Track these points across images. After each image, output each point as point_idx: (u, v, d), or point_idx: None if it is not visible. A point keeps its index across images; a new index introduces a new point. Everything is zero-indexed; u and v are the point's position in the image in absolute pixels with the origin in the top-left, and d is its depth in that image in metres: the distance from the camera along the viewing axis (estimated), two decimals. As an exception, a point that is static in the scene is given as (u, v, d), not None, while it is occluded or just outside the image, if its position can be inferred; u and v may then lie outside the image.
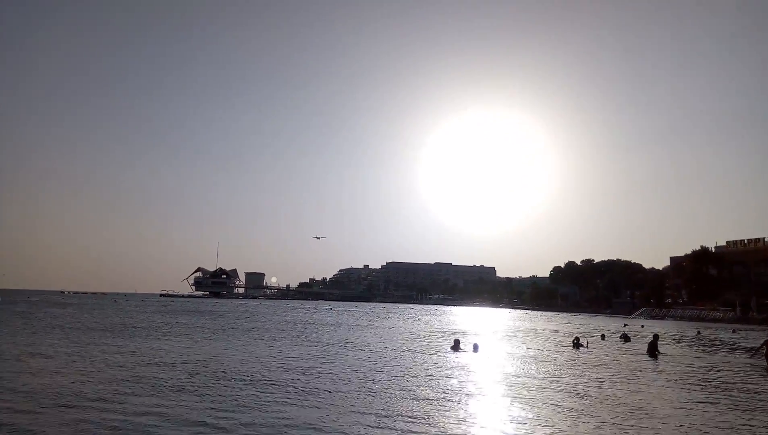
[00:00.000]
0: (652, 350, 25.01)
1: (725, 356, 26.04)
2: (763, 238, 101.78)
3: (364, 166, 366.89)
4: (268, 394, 11.60)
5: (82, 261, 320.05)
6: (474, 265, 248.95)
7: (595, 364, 20.23)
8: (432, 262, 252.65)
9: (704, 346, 32.53)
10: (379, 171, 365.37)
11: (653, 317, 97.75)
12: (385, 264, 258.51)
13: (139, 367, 15.27)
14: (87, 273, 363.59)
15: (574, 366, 19.21)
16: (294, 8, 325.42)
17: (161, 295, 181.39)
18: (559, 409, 10.95)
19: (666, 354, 25.19)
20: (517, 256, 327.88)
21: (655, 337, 26.50)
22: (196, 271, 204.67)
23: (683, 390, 14.41)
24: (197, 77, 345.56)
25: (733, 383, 15.95)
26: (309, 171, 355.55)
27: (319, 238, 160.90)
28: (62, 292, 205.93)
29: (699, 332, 47.72)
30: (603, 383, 15.02)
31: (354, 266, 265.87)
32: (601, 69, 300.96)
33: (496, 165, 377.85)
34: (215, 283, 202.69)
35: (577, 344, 27.69)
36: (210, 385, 12.52)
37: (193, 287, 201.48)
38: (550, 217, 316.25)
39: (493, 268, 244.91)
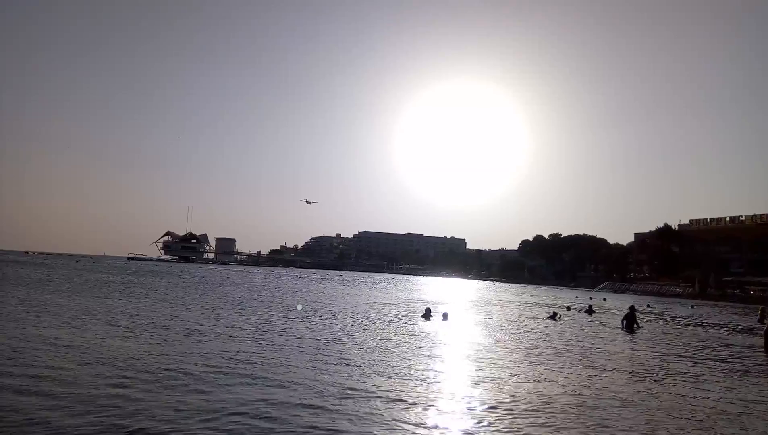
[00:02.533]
0: (630, 324, 23.96)
1: (706, 332, 26.08)
2: (725, 218, 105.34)
3: (339, 135, 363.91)
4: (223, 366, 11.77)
5: (49, 222, 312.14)
6: (445, 237, 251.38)
7: (570, 336, 20.62)
8: (404, 233, 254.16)
9: (662, 320, 33.81)
10: (354, 141, 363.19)
11: (615, 291, 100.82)
12: (357, 233, 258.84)
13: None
14: (53, 234, 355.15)
15: (545, 336, 19.83)
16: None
17: (128, 259, 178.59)
18: (531, 376, 11.41)
19: (642, 328, 24.42)
20: (488, 229, 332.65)
21: (632, 308, 25.40)
22: (165, 235, 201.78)
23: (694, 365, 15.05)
24: (169, 37, 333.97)
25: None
26: (283, 139, 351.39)
27: (309, 203, 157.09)
28: (26, 252, 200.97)
29: (648, 305, 49.14)
30: (575, 355, 15.60)
31: (326, 235, 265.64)
32: (572, 46, 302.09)
33: (469, 138, 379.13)
34: (185, 248, 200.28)
35: (553, 316, 27.91)
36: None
37: (162, 251, 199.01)
38: (521, 191, 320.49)
39: (464, 240, 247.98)
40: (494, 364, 12.62)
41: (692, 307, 53.48)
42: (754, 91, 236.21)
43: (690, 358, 15.77)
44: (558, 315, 28.39)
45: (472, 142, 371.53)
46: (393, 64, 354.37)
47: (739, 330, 28.10)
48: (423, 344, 15.41)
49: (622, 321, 24.84)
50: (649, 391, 10.34)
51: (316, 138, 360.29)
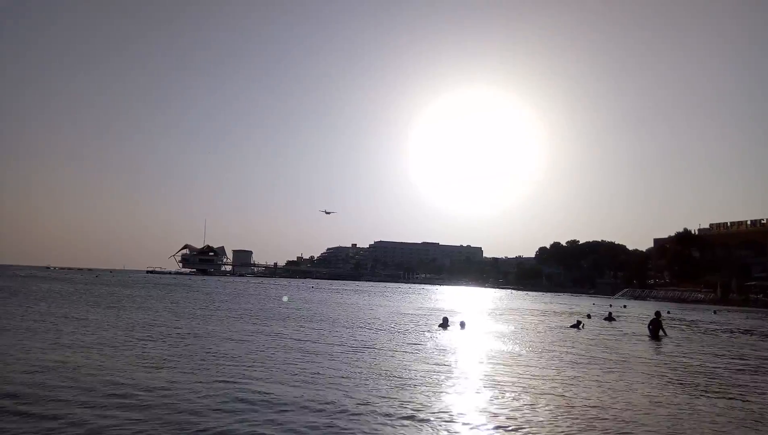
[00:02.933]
0: (655, 331, 23.33)
1: (730, 338, 25.67)
2: (745, 222, 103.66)
3: (353, 145, 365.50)
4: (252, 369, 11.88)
5: (69, 237, 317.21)
6: (461, 245, 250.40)
7: (594, 343, 20.32)
8: (419, 242, 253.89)
9: (686, 326, 33.30)
10: (369, 151, 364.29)
11: (635, 298, 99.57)
12: (372, 243, 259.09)
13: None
14: (74, 249, 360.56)
15: (567, 344, 19.68)
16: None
17: (147, 272, 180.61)
18: (553, 384, 11.37)
19: (668, 335, 23.76)
20: (504, 237, 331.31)
21: (657, 314, 24.72)
22: (183, 248, 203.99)
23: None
24: (187, 57, 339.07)
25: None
26: (298, 150, 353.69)
27: (328, 213, 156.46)
28: (48, 267, 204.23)
29: (669, 312, 47.91)
30: (605, 363, 15.47)
31: (342, 245, 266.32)
32: (587, 51, 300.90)
33: (484, 146, 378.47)
34: (202, 260, 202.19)
35: (577, 325, 27.28)
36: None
37: (180, 264, 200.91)
38: (537, 198, 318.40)
39: (480, 248, 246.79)
40: (515, 373, 12.56)
41: (715, 312, 52.63)
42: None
43: (724, 367, 15.51)
44: (581, 323, 27.76)
45: (486, 150, 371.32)
46: (407, 72, 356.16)
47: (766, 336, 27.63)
48: (439, 354, 15.37)
49: (648, 327, 24.36)
50: (688, 404, 10.20)
51: (331, 148, 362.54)
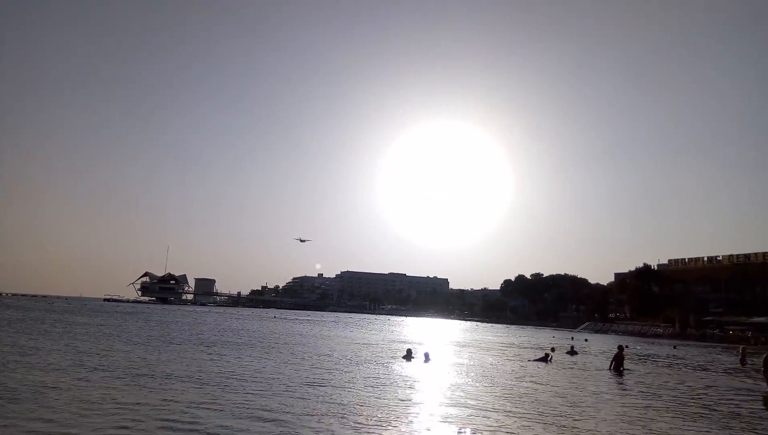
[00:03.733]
0: (618, 364, 23.39)
1: (689, 372, 25.92)
2: (703, 258, 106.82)
3: (321, 175, 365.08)
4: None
5: (22, 262, 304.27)
6: (428, 277, 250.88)
7: (558, 380, 20.18)
8: (386, 272, 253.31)
9: (649, 361, 33.54)
10: (336, 180, 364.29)
11: (597, 331, 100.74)
12: (339, 273, 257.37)
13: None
14: (27, 274, 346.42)
15: (531, 380, 19.38)
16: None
17: (105, 300, 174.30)
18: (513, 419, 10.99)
19: (629, 370, 23.92)
20: (470, 269, 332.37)
21: (620, 348, 24.65)
22: (143, 276, 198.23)
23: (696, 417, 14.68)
24: (152, 81, 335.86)
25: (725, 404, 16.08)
26: (266, 178, 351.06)
27: (303, 241, 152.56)
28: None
29: (627, 346, 47.97)
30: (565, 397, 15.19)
31: (308, 275, 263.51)
32: (553, 88, 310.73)
33: (452, 179, 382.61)
34: (163, 289, 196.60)
35: (545, 358, 26.78)
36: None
37: (140, 292, 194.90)
38: (503, 230, 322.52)
39: (446, 279, 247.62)
40: (478, 410, 12.15)
41: (675, 347, 53.43)
42: (732, 134, 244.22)
43: (685, 404, 15.45)
44: (550, 357, 27.22)
45: (455, 183, 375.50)
46: (376, 104, 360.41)
47: (724, 371, 27.99)
48: (401, 388, 14.84)
49: (611, 362, 24.20)
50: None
51: (299, 177, 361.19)
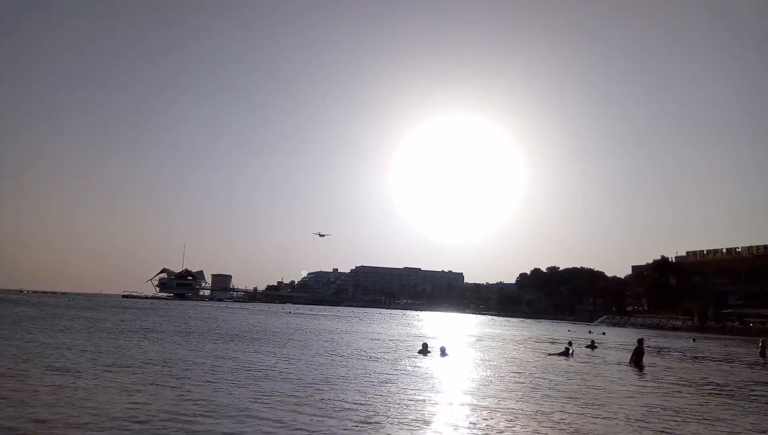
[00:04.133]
0: (638, 358, 23.02)
1: (709, 365, 25.46)
2: (721, 250, 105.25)
3: (335, 170, 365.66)
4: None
5: (44, 259, 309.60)
6: (442, 271, 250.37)
7: (581, 375, 19.63)
8: (401, 267, 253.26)
9: (661, 355, 33.15)
10: (350, 176, 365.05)
11: (614, 325, 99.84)
12: (354, 268, 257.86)
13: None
14: (48, 272, 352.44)
15: (552, 375, 19.24)
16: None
17: (123, 296, 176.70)
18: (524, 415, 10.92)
19: (653, 364, 23.42)
20: (485, 263, 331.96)
21: (640, 342, 24.19)
22: (161, 272, 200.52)
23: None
24: (168, 77, 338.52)
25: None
26: (281, 174, 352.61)
27: (322, 236, 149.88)
28: (21, 290, 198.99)
29: (643, 340, 47.13)
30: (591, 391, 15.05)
31: (323, 270, 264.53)
32: (568, 79, 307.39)
33: (466, 172, 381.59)
34: (180, 285, 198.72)
35: (566, 352, 26.30)
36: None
37: (158, 289, 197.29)
38: (518, 224, 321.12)
39: (461, 273, 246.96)
40: (497, 407, 12.09)
41: (694, 340, 52.84)
42: (750, 123, 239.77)
43: (712, 394, 15.25)
44: (571, 351, 26.70)
45: (469, 177, 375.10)
46: (389, 98, 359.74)
47: (745, 364, 27.61)
48: (417, 384, 14.78)
49: (632, 356, 23.82)
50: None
51: (314, 173, 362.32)
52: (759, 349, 32.75)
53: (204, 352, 20.13)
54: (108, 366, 15.08)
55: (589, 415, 11.30)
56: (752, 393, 16.09)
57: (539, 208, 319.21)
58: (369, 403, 11.38)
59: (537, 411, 11.37)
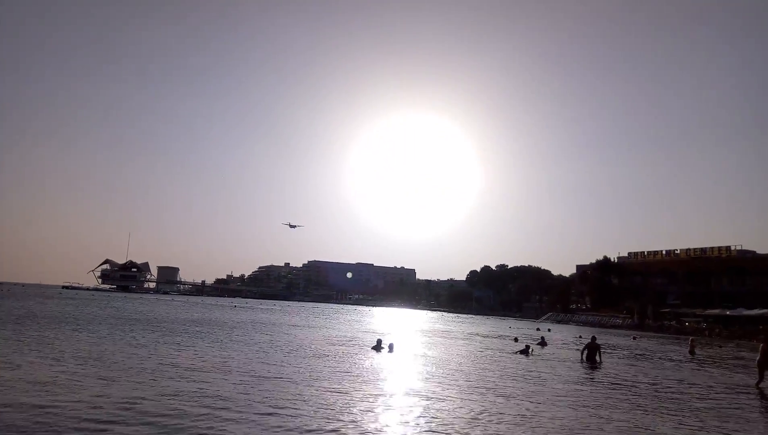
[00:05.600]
0: (592, 356, 22.82)
1: (653, 364, 26.06)
2: (661, 251, 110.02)
3: (288, 162, 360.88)
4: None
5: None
6: (395, 267, 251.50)
7: (541, 376, 19.64)
8: (353, 262, 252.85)
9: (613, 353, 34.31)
10: (305, 168, 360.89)
11: (558, 322, 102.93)
12: (306, 263, 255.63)
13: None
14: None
15: (498, 370, 19.46)
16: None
17: (63, 287, 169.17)
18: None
19: (601, 362, 23.05)
20: (437, 259, 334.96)
21: (593, 339, 24.14)
22: (103, 263, 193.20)
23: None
24: (121, 60, 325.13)
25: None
26: (232, 165, 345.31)
27: (293, 227, 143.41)
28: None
29: (581, 336, 48.08)
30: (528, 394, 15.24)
31: (274, 264, 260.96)
32: (519, 82, 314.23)
33: (422, 171, 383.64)
34: (124, 277, 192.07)
35: (525, 351, 25.66)
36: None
37: (100, 280, 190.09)
38: (470, 223, 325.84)
39: (413, 269, 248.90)
40: (437, 399, 12.08)
41: (634, 338, 54.93)
42: (693, 132, 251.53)
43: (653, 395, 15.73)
44: (531, 349, 26.24)
45: (424, 175, 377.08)
46: (346, 93, 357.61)
47: (673, 360, 28.89)
48: (367, 379, 14.69)
49: (582, 352, 24.13)
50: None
51: (266, 165, 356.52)
52: (689, 349, 34.51)
53: (137, 345, 19.34)
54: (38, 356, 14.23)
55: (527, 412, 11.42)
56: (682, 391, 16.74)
57: (492, 208, 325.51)
58: (316, 397, 11.16)
59: (464, 400, 11.44)
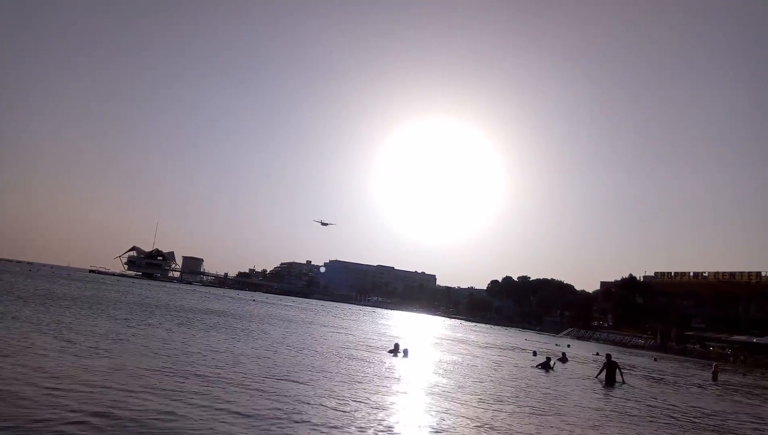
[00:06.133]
0: (611, 376, 21.79)
1: (681, 388, 25.27)
2: (688, 273, 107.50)
3: (316, 162, 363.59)
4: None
5: (11, 228, 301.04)
6: (416, 271, 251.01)
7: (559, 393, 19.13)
8: (374, 264, 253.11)
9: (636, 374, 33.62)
10: (332, 169, 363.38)
11: (579, 338, 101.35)
12: (327, 261, 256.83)
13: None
14: (14, 240, 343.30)
15: (518, 386, 19.25)
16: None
17: (90, 271, 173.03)
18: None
19: (624, 383, 22.17)
20: (458, 267, 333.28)
21: (608, 357, 23.25)
22: (130, 250, 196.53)
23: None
24: (145, 52, 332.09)
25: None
26: (262, 162, 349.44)
27: (325, 224, 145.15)
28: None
29: (597, 353, 47.91)
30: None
31: (296, 261, 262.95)
32: (550, 92, 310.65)
33: (448, 177, 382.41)
34: (149, 264, 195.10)
35: (546, 364, 24.71)
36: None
37: (126, 266, 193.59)
38: (493, 231, 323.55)
39: (434, 275, 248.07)
40: (453, 409, 11.99)
41: (655, 359, 53.80)
42: (726, 153, 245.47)
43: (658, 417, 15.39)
44: (552, 362, 25.26)
45: (450, 181, 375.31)
46: (379, 96, 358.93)
47: (694, 384, 28.16)
48: (383, 382, 14.67)
49: (600, 372, 23.14)
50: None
51: (295, 164, 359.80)
52: (712, 374, 33.66)
53: (152, 336, 19.67)
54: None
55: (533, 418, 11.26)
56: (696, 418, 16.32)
57: (515, 218, 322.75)
58: (327, 397, 11.20)
59: (476, 417, 11.32)
